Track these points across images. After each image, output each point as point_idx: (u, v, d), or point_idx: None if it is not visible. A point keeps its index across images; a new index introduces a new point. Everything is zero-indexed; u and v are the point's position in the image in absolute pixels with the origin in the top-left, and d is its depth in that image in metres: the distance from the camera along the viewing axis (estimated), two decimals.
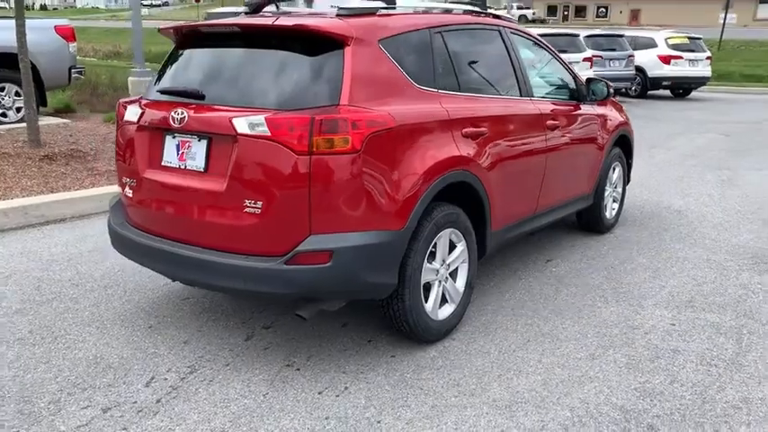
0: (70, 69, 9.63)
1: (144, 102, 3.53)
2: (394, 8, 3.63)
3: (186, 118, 3.19)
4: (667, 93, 18.61)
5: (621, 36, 16.79)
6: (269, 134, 2.97)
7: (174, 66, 3.60)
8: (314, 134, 2.92)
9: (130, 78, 11.21)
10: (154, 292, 4.33)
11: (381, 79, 3.24)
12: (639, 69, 17.09)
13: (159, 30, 3.73)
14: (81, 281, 4.51)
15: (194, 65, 3.51)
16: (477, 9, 4.34)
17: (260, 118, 2.99)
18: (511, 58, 4.34)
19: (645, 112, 14.89)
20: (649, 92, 17.85)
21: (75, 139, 8.24)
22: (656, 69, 17.22)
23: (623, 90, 16.80)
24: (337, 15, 3.30)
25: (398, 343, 3.64)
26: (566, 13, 59.97)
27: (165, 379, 3.26)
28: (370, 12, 3.41)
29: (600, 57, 15.23)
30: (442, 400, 3.10)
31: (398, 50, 3.39)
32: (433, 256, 3.51)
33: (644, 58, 17.17)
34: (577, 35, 14.89)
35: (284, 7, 3.95)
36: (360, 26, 3.24)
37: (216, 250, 3.17)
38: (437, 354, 3.54)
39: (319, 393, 3.14)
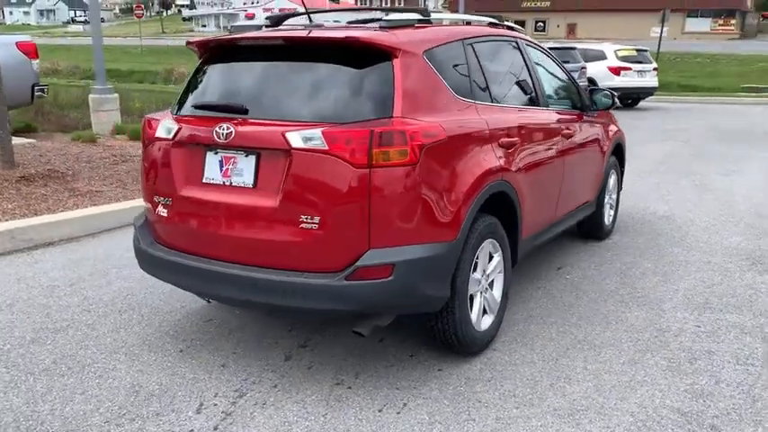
0: (33, 87, 9.26)
1: (177, 117, 3.41)
2: (429, 21, 3.62)
3: (233, 133, 3.09)
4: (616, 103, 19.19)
5: (574, 48, 17.29)
6: (326, 148, 2.91)
7: (206, 80, 3.50)
8: (373, 147, 2.88)
9: (91, 96, 10.87)
10: (172, 315, 4.17)
11: (428, 91, 3.23)
12: (591, 81, 17.59)
13: (187, 43, 3.63)
14: (91, 306, 4.30)
15: (230, 79, 3.43)
16: (496, 21, 4.38)
17: (316, 132, 2.93)
18: (528, 69, 4.40)
19: None
20: None
21: (48, 159, 7.91)
22: (607, 80, 17.73)
23: None
24: (381, 28, 3.27)
25: (441, 357, 3.60)
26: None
27: (215, 405, 3.13)
28: (410, 23, 3.40)
29: None
30: (504, 412, 3.07)
31: (440, 62, 3.39)
32: (475, 266, 3.50)
33: (594, 70, 17.70)
34: (569, 47, 15.28)
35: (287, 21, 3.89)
36: (406, 38, 3.23)
37: (267, 268, 3.08)
38: (483, 365, 3.52)
39: (379, 411, 3.08)
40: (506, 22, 4.53)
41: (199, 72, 3.58)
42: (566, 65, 16.79)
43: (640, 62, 18.12)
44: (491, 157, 3.50)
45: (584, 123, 5.12)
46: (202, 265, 3.21)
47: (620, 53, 18.04)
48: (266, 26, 3.85)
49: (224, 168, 3.19)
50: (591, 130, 5.20)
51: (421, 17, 3.52)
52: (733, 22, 54.44)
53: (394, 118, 2.99)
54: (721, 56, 34.73)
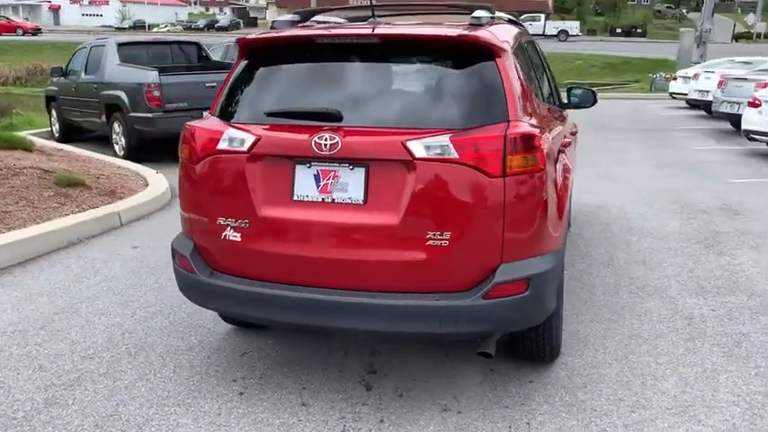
0: None
1: (248, 126, 2.95)
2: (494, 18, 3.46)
3: (339, 144, 2.73)
4: None
5: None
6: (456, 157, 2.67)
7: (271, 83, 3.07)
8: (507, 153, 2.69)
9: None
10: (199, 353, 3.65)
11: (523, 91, 3.08)
12: None
13: (241, 41, 3.15)
14: (89, 351, 3.64)
15: (305, 81, 3.04)
16: (514, 19, 4.32)
17: (444, 139, 2.68)
18: (545, 68, 4.39)
19: None
20: None
21: None
22: None
23: None
24: (471, 24, 3.07)
25: (517, 368, 3.48)
26: None
27: None
28: (491, 20, 3.22)
29: None
30: (626, 418, 3.04)
31: (520, 61, 3.26)
32: None
33: None
34: None
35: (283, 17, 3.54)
36: (501, 36, 3.06)
37: (381, 292, 2.77)
38: (565, 373, 3.46)
39: None
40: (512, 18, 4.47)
41: (253, 73, 3.12)
42: None
43: None
44: (565, 158, 3.44)
45: (567, 120, 5.23)
46: (301, 295, 2.81)
47: None
48: (297, 21, 3.46)
49: (322, 183, 2.81)
50: (573, 126, 5.34)
51: (492, 14, 3.35)
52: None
53: (511, 122, 2.81)
54: (548, 54, 37.57)
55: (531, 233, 2.80)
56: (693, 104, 17.26)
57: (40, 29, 55.58)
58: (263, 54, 3.15)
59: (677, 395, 3.23)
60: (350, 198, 2.78)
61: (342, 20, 3.64)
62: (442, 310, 2.71)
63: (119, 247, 5.51)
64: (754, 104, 10.59)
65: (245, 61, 3.17)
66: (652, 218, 6.64)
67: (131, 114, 9.28)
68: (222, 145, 2.93)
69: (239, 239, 2.93)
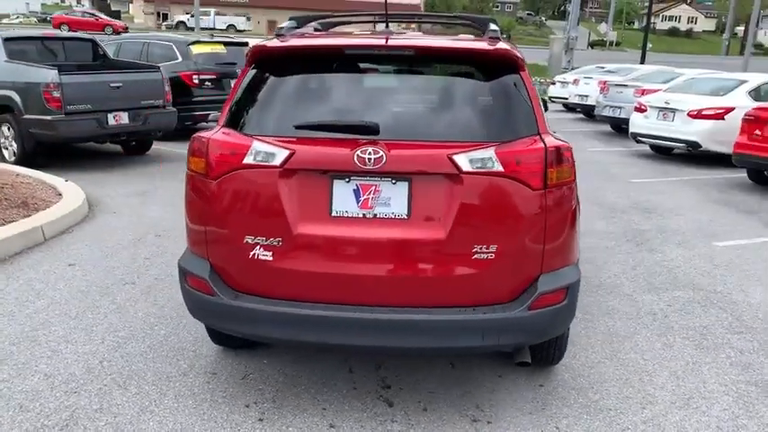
0: None
1: (274, 139, 2.80)
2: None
3: (383, 158, 2.67)
4: None
5: None
6: (501, 170, 2.69)
7: (296, 94, 2.94)
8: (548, 166, 2.75)
9: None
10: (193, 378, 3.43)
11: (541, 105, 3.16)
12: None
13: (259, 49, 2.98)
14: (71, 387, 3.32)
15: (333, 93, 2.93)
16: None
17: (489, 153, 2.70)
18: None
19: None
20: None
21: None
22: None
23: None
24: (491, 38, 3.10)
25: (522, 373, 3.56)
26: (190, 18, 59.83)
27: None
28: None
29: None
30: (641, 415, 3.20)
31: None
32: None
33: None
34: None
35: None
36: (517, 51, 3.11)
37: (423, 307, 2.74)
38: (569, 375, 3.59)
39: None
40: None
41: (274, 82, 2.97)
42: None
43: None
44: None
45: None
46: (344, 314, 2.72)
47: None
48: (316, 29, 3.35)
49: (362, 198, 2.74)
50: None
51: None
52: (413, 26, 60.92)
53: (542, 135, 2.88)
54: None
55: (565, 243, 2.88)
56: (571, 108, 18.39)
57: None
58: (285, 63, 3.00)
59: (674, 389, 3.45)
60: (393, 213, 2.73)
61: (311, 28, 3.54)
62: (487, 324, 2.72)
63: (52, 265, 5.04)
64: (640, 110, 11.47)
65: (263, 70, 3.00)
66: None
67: (25, 117, 8.48)
68: (249, 159, 2.77)
69: (271, 258, 2.78)
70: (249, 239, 2.78)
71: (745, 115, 8.97)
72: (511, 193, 2.71)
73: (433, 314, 2.71)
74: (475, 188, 2.69)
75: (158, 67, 9.54)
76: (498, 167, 2.68)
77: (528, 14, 77.12)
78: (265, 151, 2.75)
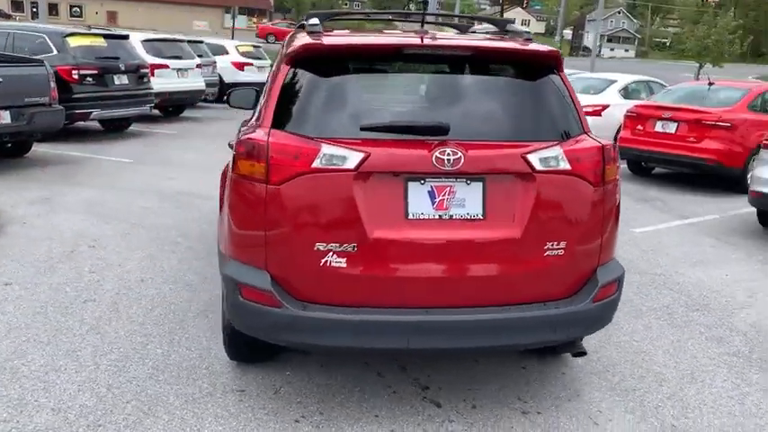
0: None
1: (342, 141, 2.69)
2: None
3: (461, 159, 2.66)
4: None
5: (202, 42, 17.00)
6: (568, 168, 2.80)
7: (355, 94, 2.85)
8: (605, 163, 2.90)
9: None
10: (221, 398, 3.22)
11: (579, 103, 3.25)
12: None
13: (306, 46, 2.83)
14: (91, 420, 2.99)
15: (393, 93, 2.89)
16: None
17: (557, 151, 2.79)
18: None
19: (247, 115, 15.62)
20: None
21: None
22: (232, 75, 18.00)
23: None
24: (526, 39, 3.19)
25: (541, 361, 3.70)
26: (34, 9, 54.78)
27: None
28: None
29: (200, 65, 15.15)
30: (661, 391, 3.46)
31: None
32: None
33: (219, 66, 17.74)
34: (183, 40, 14.57)
35: None
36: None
37: (497, 306, 2.79)
38: (581, 361, 3.73)
39: (610, 421, 3.13)
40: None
41: (326, 82, 2.85)
42: (199, 59, 15.24)
43: (258, 58, 18.88)
44: None
45: None
46: (422, 318, 2.69)
47: (241, 48, 18.47)
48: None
49: (437, 200, 2.71)
50: None
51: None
52: (264, 20, 59.81)
53: (588, 133, 3.02)
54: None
55: (613, 236, 3.04)
56: None
57: None
58: (335, 62, 2.88)
59: (675, 366, 3.75)
60: (468, 213, 2.73)
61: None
62: (559, 318, 2.81)
63: None
64: None
65: (310, 68, 2.86)
66: None
67: None
68: (319, 163, 2.64)
69: (344, 265, 2.67)
70: (320, 246, 2.66)
71: (628, 112, 9.82)
72: (576, 190, 2.81)
73: (512, 312, 2.75)
74: (546, 186, 2.76)
75: (42, 61, 8.68)
76: (566, 165, 2.77)
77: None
78: (337, 154, 2.64)
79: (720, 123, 8.80)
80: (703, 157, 8.81)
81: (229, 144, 3.55)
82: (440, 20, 4.83)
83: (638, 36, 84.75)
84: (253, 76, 18.45)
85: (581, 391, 3.41)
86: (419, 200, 2.70)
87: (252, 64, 18.41)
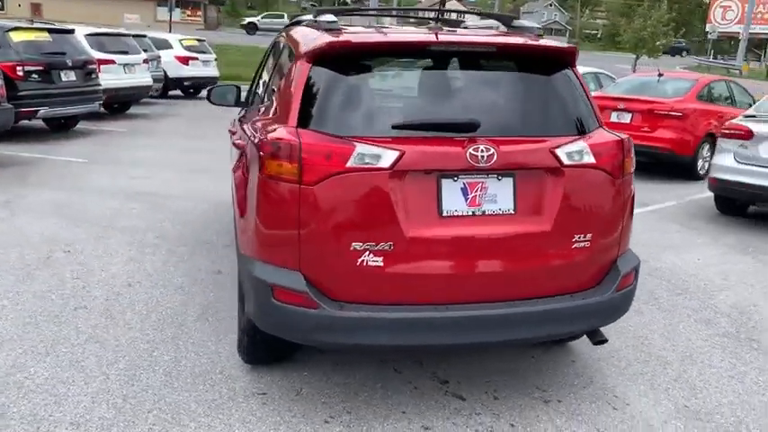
0: None
1: (375, 140, 2.68)
2: None
3: (495, 155, 2.70)
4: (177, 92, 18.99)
5: (145, 36, 16.53)
6: (593, 162, 2.87)
7: (384, 92, 2.84)
8: (624, 156, 2.99)
9: None
10: (243, 402, 3.16)
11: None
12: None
13: (341, 44, 2.80)
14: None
15: (420, 90, 2.87)
16: None
17: (582, 145, 2.86)
18: None
19: (195, 111, 15.31)
20: (170, 92, 18.08)
21: None
22: (177, 70, 17.59)
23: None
24: (538, 36, 3.24)
25: (545, 353, 3.80)
26: None
27: None
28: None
29: (146, 60, 14.73)
30: (669, 371, 3.60)
31: None
32: None
33: (163, 60, 17.29)
34: (128, 34, 14.12)
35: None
36: None
37: (529, 299, 2.85)
38: (586, 347, 3.88)
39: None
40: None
41: (354, 80, 2.83)
42: (145, 53, 14.86)
43: (203, 52, 18.47)
44: None
45: None
46: (457, 314, 2.72)
47: (185, 42, 18.03)
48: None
49: (470, 196, 2.74)
50: None
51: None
52: (199, 13, 58.38)
53: (601, 128, 3.10)
54: (224, 46, 36.98)
55: (630, 227, 3.14)
56: None
57: None
58: (360, 59, 2.85)
59: (674, 348, 3.91)
60: (500, 209, 2.77)
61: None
62: (586, 308, 2.89)
63: None
64: None
65: (334, 66, 2.82)
66: None
67: None
68: (353, 162, 2.62)
69: (381, 264, 2.67)
70: (357, 246, 2.64)
71: None
72: (600, 183, 2.89)
73: (546, 304, 2.81)
74: (573, 180, 2.83)
75: None
76: (591, 159, 2.84)
77: (312, 5, 77.98)
78: (371, 153, 2.63)
79: (672, 113, 9.16)
80: (657, 145, 9.14)
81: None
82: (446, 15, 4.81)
83: (569, 28, 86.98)
84: (198, 71, 18.12)
85: (593, 377, 3.51)
86: (452, 197, 2.71)
87: (197, 58, 18.02)
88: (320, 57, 2.83)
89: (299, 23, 4.07)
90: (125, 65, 13.16)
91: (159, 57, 16.34)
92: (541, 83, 3.02)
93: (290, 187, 2.66)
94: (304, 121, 2.77)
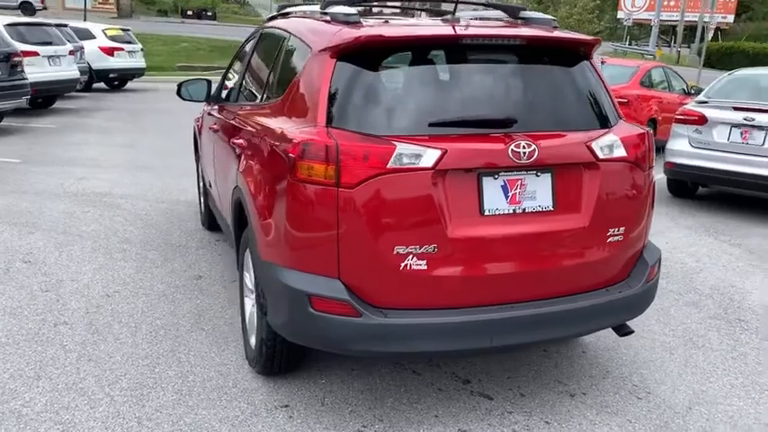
0: None
1: (415, 138, 2.58)
2: None
3: (536, 151, 2.64)
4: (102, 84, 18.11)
5: (66, 26, 15.61)
6: (625, 155, 2.87)
7: (417, 88, 2.73)
8: (649, 149, 3.00)
9: None
10: (268, 417, 3.01)
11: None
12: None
13: (374, 38, 2.67)
14: None
15: (454, 85, 2.77)
16: None
17: (614, 139, 2.85)
18: None
19: (125, 105, 14.64)
20: (94, 84, 17.22)
21: None
22: (102, 62, 16.77)
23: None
24: (554, 27, 3.21)
25: (557, 345, 3.81)
26: None
27: None
28: None
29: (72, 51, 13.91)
30: (680, 355, 3.67)
31: None
32: None
33: (87, 50, 16.43)
34: (51, 24, 13.30)
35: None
36: None
37: (568, 296, 2.83)
38: (590, 339, 3.92)
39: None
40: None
41: (374, 76, 2.70)
42: (70, 44, 14.11)
43: (129, 42, 17.64)
44: None
45: None
46: (503, 315, 2.66)
47: (110, 33, 17.16)
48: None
49: (510, 194, 2.67)
50: None
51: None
52: (111, 0, 55.80)
53: (622, 119, 3.11)
54: (142, 36, 35.61)
55: (652, 219, 3.15)
56: None
57: None
58: (387, 54, 2.72)
59: (674, 333, 4.01)
60: (539, 206, 2.72)
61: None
62: (623, 301, 2.89)
63: None
64: None
65: (360, 62, 2.68)
66: None
67: None
68: (395, 162, 2.50)
69: (425, 267, 2.57)
70: (400, 250, 2.54)
71: None
72: (631, 176, 2.89)
73: (586, 300, 2.79)
74: (607, 174, 2.81)
75: None
76: (622, 152, 2.83)
77: None
78: (412, 152, 2.52)
79: (618, 99, 9.37)
80: None
81: None
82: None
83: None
84: (124, 62, 17.33)
85: (608, 367, 3.53)
86: (494, 195, 2.64)
87: (123, 49, 17.21)
88: (347, 51, 2.69)
89: (287, 15, 3.90)
90: (50, 57, 12.38)
91: (82, 48, 15.49)
92: (568, 75, 2.98)
93: (327, 191, 2.51)
94: (331, 119, 2.63)
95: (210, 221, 5.53)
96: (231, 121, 3.82)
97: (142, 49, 18.18)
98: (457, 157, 2.56)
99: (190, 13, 61.10)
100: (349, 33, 2.70)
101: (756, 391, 3.36)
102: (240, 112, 3.69)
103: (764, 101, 6.84)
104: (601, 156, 2.77)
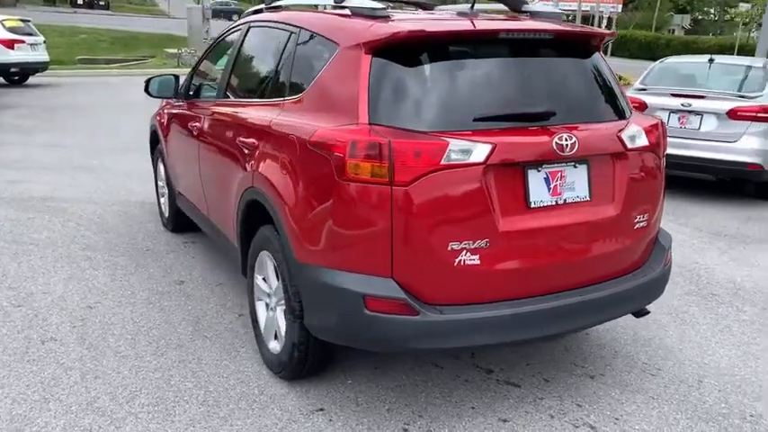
0: None
1: (463, 134, 2.58)
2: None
3: (576, 143, 2.71)
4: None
5: None
6: (647, 144, 2.99)
7: (460, 83, 2.72)
8: (663, 136, 3.15)
9: None
10: (306, 422, 2.95)
11: None
12: None
13: (399, 34, 2.63)
14: None
15: (493, 79, 2.79)
16: None
17: (637, 128, 2.97)
18: None
19: (33, 101, 13.76)
20: None
21: None
22: (2, 55, 15.68)
23: None
24: (563, 21, 3.28)
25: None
26: None
27: None
28: None
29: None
30: (687, 334, 3.88)
31: None
32: None
33: None
34: None
35: None
36: None
37: (602, 282, 2.93)
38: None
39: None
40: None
41: (413, 72, 2.67)
42: None
43: (30, 34, 16.53)
44: None
45: None
46: (553, 304, 2.72)
47: (8, 24, 16.01)
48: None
49: (552, 186, 2.73)
50: None
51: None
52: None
53: (634, 110, 3.24)
54: (38, 26, 33.40)
55: (663, 205, 3.30)
56: None
57: None
58: (425, 50, 2.69)
59: (661, 310, 4.20)
60: (578, 196, 2.79)
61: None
62: (647, 285, 3.02)
63: None
64: None
65: (398, 58, 2.64)
66: None
67: None
68: (448, 158, 2.49)
69: (478, 262, 2.58)
70: (454, 246, 2.54)
71: None
72: (651, 164, 3.01)
73: (619, 285, 2.89)
74: (634, 162, 2.92)
75: None
76: (645, 141, 2.95)
77: None
78: (463, 148, 2.52)
79: None
80: None
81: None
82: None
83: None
84: (26, 56, 16.25)
85: (614, 346, 3.68)
86: (538, 187, 2.68)
87: (24, 41, 16.10)
88: (384, 47, 2.64)
89: (277, 9, 3.79)
90: None
91: None
92: (590, 68, 3.05)
93: (380, 189, 2.47)
94: (372, 116, 2.59)
95: (176, 223, 5.32)
96: (227, 119, 3.67)
97: (45, 42, 17.07)
98: (506, 151, 2.58)
99: (80, 2, 57.84)
100: (385, 28, 2.66)
101: (753, 360, 3.59)
102: (240, 110, 3.56)
103: (697, 87, 7.28)
104: (629, 145, 2.87)
